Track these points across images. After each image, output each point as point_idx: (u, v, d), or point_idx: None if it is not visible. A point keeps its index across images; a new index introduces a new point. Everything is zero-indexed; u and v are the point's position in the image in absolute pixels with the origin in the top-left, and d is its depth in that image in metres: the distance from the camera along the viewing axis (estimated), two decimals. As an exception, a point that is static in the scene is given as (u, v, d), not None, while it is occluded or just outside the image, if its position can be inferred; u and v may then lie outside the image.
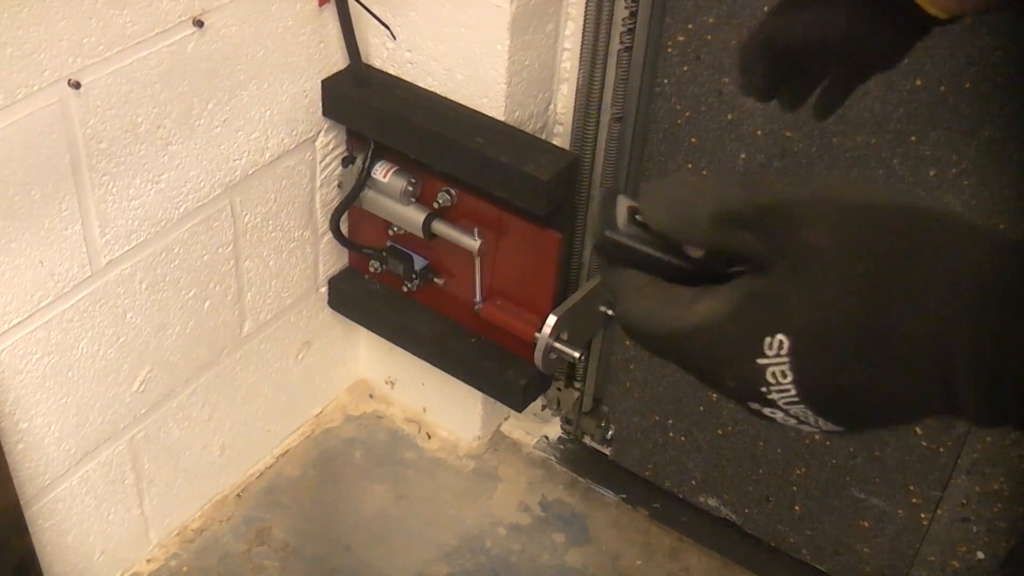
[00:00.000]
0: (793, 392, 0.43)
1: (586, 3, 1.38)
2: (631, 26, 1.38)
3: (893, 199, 0.43)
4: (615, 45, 1.40)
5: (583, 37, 1.40)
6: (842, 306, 0.42)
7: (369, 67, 1.48)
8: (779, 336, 0.42)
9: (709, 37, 1.34)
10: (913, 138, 1.26)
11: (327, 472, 1.73)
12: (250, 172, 1.43)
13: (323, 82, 1.46)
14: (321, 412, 1.81)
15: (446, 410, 1.77)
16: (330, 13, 1.42)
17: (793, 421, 0.44)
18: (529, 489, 1.71)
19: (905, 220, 0.42)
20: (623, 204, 0.50)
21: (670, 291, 0.46)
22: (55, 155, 1.17)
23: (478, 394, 1.66)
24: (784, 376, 0.43)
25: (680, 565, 1.63)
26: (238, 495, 1.68)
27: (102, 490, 1.45)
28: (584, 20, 1.39)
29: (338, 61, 1.47)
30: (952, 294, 0.41)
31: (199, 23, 1.25)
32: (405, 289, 1.60)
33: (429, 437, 1.79)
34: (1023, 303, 0.39)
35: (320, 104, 1.48)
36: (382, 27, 1.43)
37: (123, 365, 1.38)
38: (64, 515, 1.41)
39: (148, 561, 1.58)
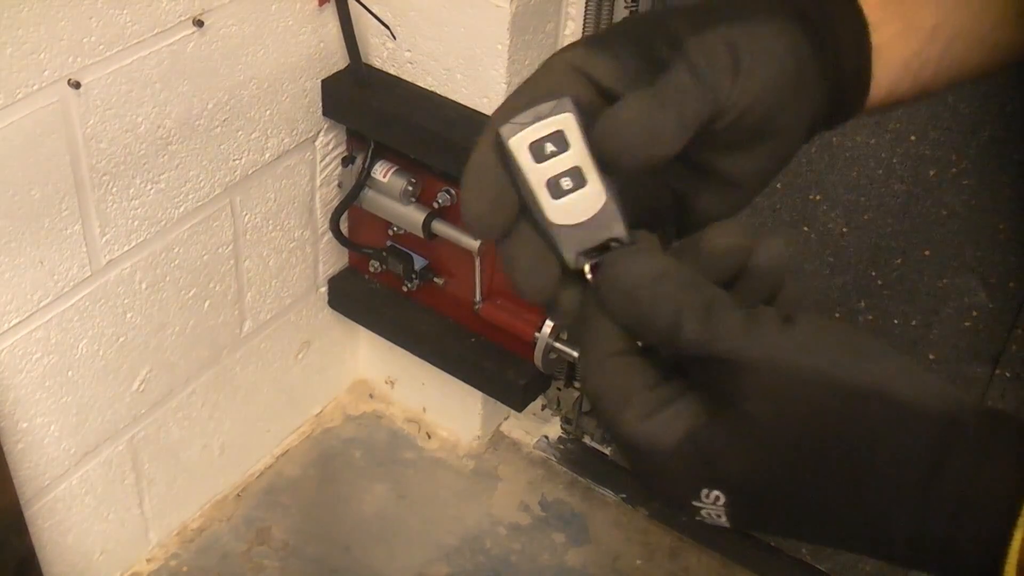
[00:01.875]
0: (725, 523, 0.44)
1: (586, 3, 1.38)
2: (631, 26, 1.38)
3: (841, 375, 0.42)
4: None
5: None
6: (778, 480, 0.42)
7: (369, 67, 1.48)
8: (715, 492, 0.43)
9: None
10: (913, 138, 1.26)
11: (327, 472, 1.73)
12: (250, 172, 1.43)
13: (323, 82, 1.46)
14: (321, 412, 1.81)
15: (446, 410, 1.77)
16: (330, 13, 1.42)
17: (721, 523, 0.45)
18: (529, 489, 1.71)
19: (849, 405, 0.41)
20: (556, 124, 0.45)
21: (632, 378, 0.45)
22: (55, 155, 1.17)
23: (478, 394, 1.66)
24: (718, 516, 0.44)
25: (680, 565, 1.63)
26: (238, 495, 1.68)
27: (102, 490, 1.45)
28: (584, 20, 1.39)
29: (338, 61, 1.47)
30: (891, 486, 0.41)
31: (199, 23, 1.25)
32: (405, 289, 1.60)
33: (429, 437, 1.79)
34: (965, 497, 0.40)
35: (320, 104, 1.48)
36: (382, 27, 1.43)
37: (123, 365, 1.38)
38: (64, 515, 1.41)
39: (148, 561, 1.58)
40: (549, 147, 0.45)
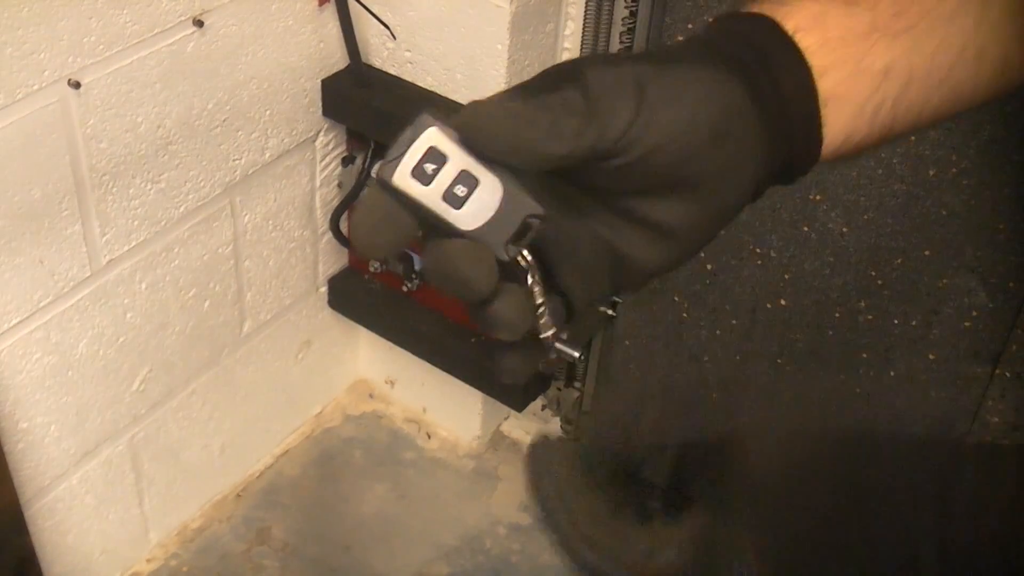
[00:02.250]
0: None
1: (586, 3, 1.38)
2: (631, 26, 1.38)
3: (827, 422, 0.43)
4: (615, 45, 1.40)
5: (583, 37, 1.40)
6: (806, 535, 0.42)
7: (369, 67, 1.48)
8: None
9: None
10: (913, 138, 1.26)
11: (327, 472, 1.73)
12: (250, 172, 1.43)
13: (323, 82, 1.46)
14: (321, 412, 1.81)
15: (446, 410, 1.77)
16: (330, 13, 1.42)
17: None
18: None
19: (849, 444, 0.42)
20: (426, 142, 0.46)
21: (624, 531, 0.45)
22: (55, 155, 1.17)
23: (478, 394, 1.66)
24: None
25: (680, 565, 1.63)
26: (238, 495, 1.68)
27: (102, 490, 1.45)
28: (584, 20, 1.39)
29: (338, 61, 1.47)
30: (912, 509, 0.41)
31: (199, 23, 1.25)
32: (405, 289, 1.60)
33: (429, 437, 1.79)
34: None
35: (320, 104, 1.48)
36: (382, 27, 1.42)
37: (123, 365, 1.38)
38: (64, 515, 1.41)
39: (148, 561, 1.58)
40: (429, 166, 0.45)
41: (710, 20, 0.52)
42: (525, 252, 0.46)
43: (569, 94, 0.46)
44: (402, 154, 0.45)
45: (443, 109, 0.46)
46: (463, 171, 0.45)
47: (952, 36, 0.51)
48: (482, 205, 0.46)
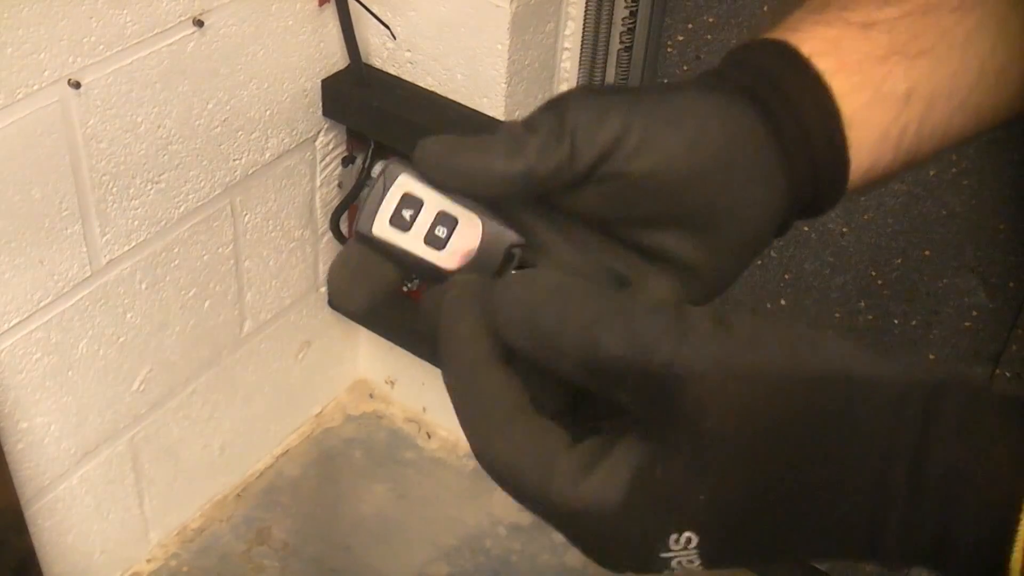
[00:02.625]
0: (699, 566, 0.39)
1: (586, 3, 1.38)
2: (631, 26, 1.38)
3: (799, 364, 0.38)
4: (615, 45, 1.40)
5: (583, 37, 1.40)
6: (753, 501, 0.38)
7: (369, 67, 1.48)
8: (687, 533, 0.38)
9: (709, 37, 1.34)
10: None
11: (327, 472, 1.73)
12: (250, 172, 1.43)
13: (323, 82, 1.46)
14: (321, 412, 1.81)
15: (446, 410, 1.76)
16: (330, 13, 1.42)
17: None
18: (529, 489, 1.71)
19: (812, 392, 0.38)
20: (400, 189, 0.45)
21: (546, 438, 0.40)
22: (55, 155, 1.17)
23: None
24: (691, 562, 0.39)
25: (680, 565, 1.63)
26: (238, 495, 1.68)
27: (102, 490, 1.45)
28: (584, 20, 1.39)
29: (338, 61, 1.47)
30: (880, 470, 0.37)
31: (199, 23, 1.25)
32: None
33: (429, 437, 1.79)
34: (961, 478, 0.36)
35: (320, 104, 1.48)
36: (382, 27, 1.43)
37: (123, 365, 1.38)
38: (64, 515, 1.41)
39: (148, 561, 1.58)
40: (406, 212, 0.45)
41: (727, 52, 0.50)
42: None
43: (542, 117, 0.45)
44: (377, 206, 0.45)
45: (406, 157, 0.47)
46: (440, 212, 0.45)
47: (970, 58, 0.50)
48: (464, 243, 0.45)
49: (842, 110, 0.47)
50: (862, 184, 0.49)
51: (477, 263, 0.46)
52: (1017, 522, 0.34)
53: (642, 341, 0.38)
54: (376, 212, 0.45)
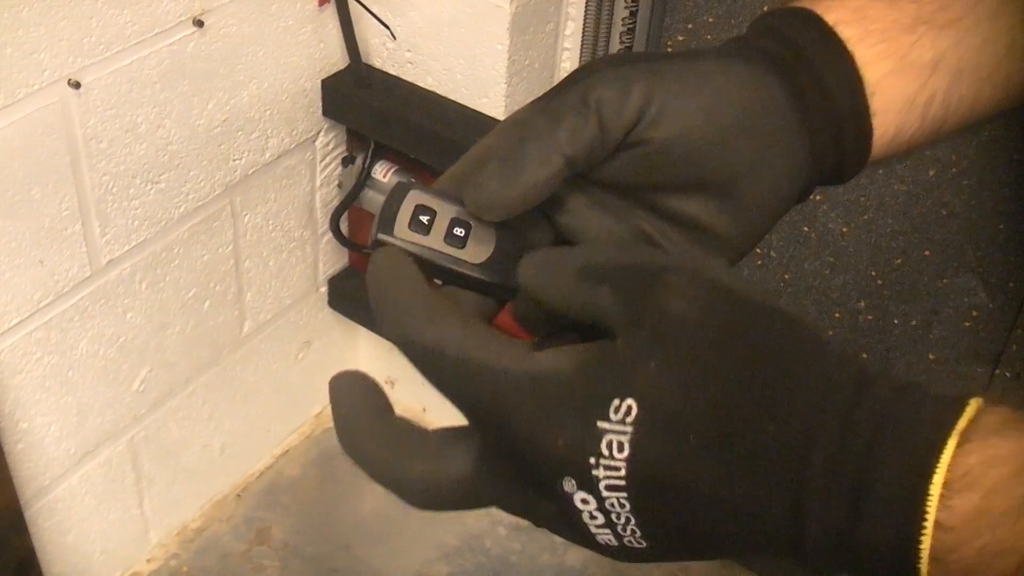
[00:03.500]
0: (622, 472, 0.38)
1: (586, 3, 1.38)
2: (631, 26, 1.38)
3: (763, 296, 0.40)
4: (615, 45, 1.40)
5: (583, 37, 1.40)
6: (700, 384, 0.38)
7: (369, 67, 1.48)
8: (628, 401, 0.38)
9: (709, 37, 1.34)
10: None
11: (327, 472, 1.73)
12: (250, 172, 1.43)
13: (323, 82, 1.46)
14: (321, 412, 1.81)
15: (446, 410, 1.76)
16: (330, 13, 1.42)
17: (598, 521, 0.40)
18: (529, 489, 1.71)
19: (775, 319, 0.40)
20: (412, 201, 0.47)
21: (491, 331, 0.42)
22: (55, 155, 1.17)
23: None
24: (620, 450, 0.38)
25: (679, 565, 1.63)
26: (238, 495, 1.68)
27: (102, 490, 1.45)
28: (584, 20, 1.39)
29: (338, 61, 1.47)
30: (817, 405, 0.37)
31: (199, 23, 1.25)
32: None
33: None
34: (886, 431, 0.36)
35: (320, 104, 1.48)
36: (382, 27, 1.42)
37: (123, 365, 1.38)
38: (64, 515, 1.41)
39: (148, 561, 1.58)
40: (424, 218, 0.47)
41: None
42: None
43: (565, 97, 0.45)
44: (394, 215, 0.46)
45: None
46: (454, 217, 0.47)
47: (1000, 29, 0.50)
48: (482, 240, 0.47)
49: (866, 78, 0.48)
50: (888, 153, 0.50)
51: (498, 257, 0.47)
52: (936, 463, 0.35)
53: (629, 252, 0.42)
54: (394, 219, 0.46)
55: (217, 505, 1.66)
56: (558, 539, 1.49)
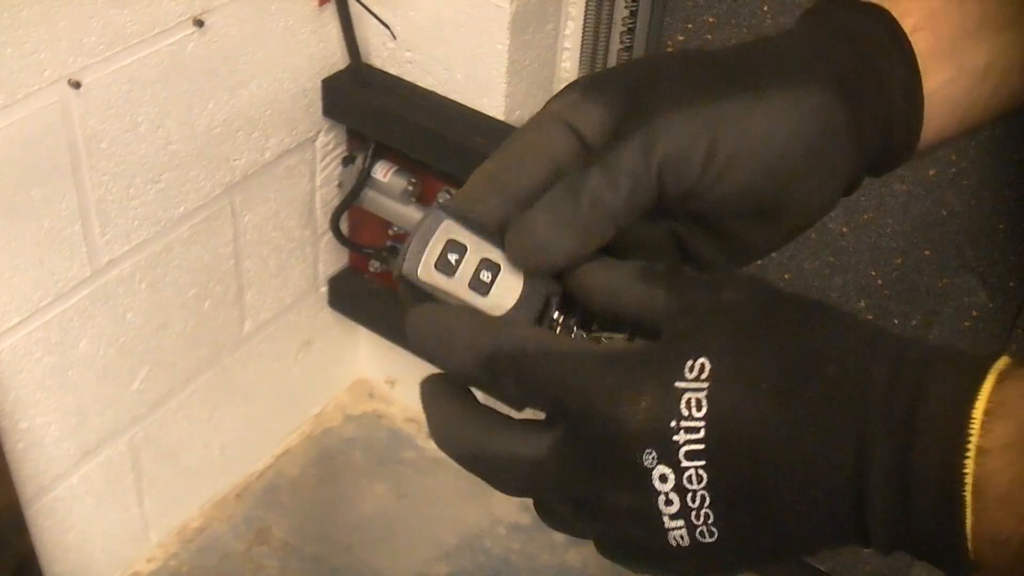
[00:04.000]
0: (701, 434, 0.40)
1: (586, 3, 1.38)
2: (631, 26, 1.38)
3: (798, 294, 0.43)
4: (615, 45, 1.40)
5: (583, 37, 1.40)
6: (763, 338, 0.41)
7: (369, 67, 1.48)
8: (702, 359, 0.40)
9: (709, 37, 1.34)
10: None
11: (327, 472, 1.73)
12: (250, 172, 1.43)
13: (323, 82, 1.46)
14: (321, 412, 1.81)
15: (446, 410, 1.77)
16: (330, 13, 1.42)
17: (673, 508, 0.41)
18: (529, 489, 1.71)
19: (817, 304, 0.42)
20: (444, 234, 0.46)
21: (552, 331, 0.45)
22: (55, 155, 1.17)
23: (478, 393, 1.66)
24: (699, 408, 0.40)
25: None
26: (238, 495, 1.68)
27: (102, 490, 1.45)
28: (584, 20, 1.39)
29: (338, 61, 1.47)
30: (868, 347, 0.40)
31: (199, 23, 1.25)
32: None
33: (429, 437, 1.79)
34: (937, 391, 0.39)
35: (320, 104, 1.48)
36: (382, 27, 1.43)
37: (123, 365, 1.38)
38: (64, 515, 1.41)
39: (148, 561, 1.58)
40: (452, 256, 0.46)
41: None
42: (557, 317, 0.46)
43: (628, 152, 0.45)
44: (422, 249, 0.46)
45: (451, 202, 0.47)
46: (484, 258, 0.46)
47: None
48: (508, 288, 0.46)
49: (926, 87, 0.48)
50: (922, 152, 0.51)
51: (520, 308, 0.46)
52: (978, 392, 0.38)
53: (681, 275, 0.45)
54: (421, 256, 0.46)
55: (217, 505, 1.66)
56: (558, 539, 1.50)
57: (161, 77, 1.24)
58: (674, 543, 0.41)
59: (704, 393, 0.40)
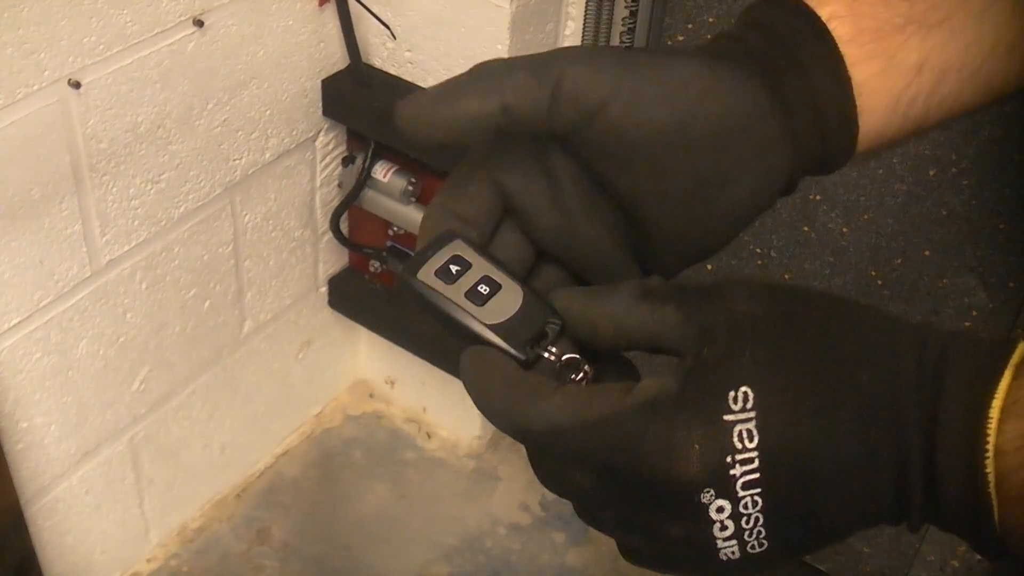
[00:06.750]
0: (756, 464, 0.40)
1: (586, 3, 1.38)
2: (631, 26, 1.38)
3: (804, 286, 0.44)
4: (615, 45, 1.40)
5: (583, 37, 1.40)
6: (794, 357, 0.41)
7: (369, 67, 1.48)
8: (743, 388, 0.40)
9: (709, 37, 1.34)
10: (913, 138, 1.26)
11: (327, 472, 1.73)
12: (250, 172, 1.43)
13: (323, 82, 1.46)
14: (321, 412, 1.81)
15: (446, 410, 1.77)
16: (330, 13, 1.42)
17: (728, 532, 0.41)
18: (529, 488, 1.71)
19: (824, 297, 0.43)
20: (451, 250, 0.47)
21: (579, 387, 0.44)
22: (55, 155, 1.17)
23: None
24: (751, 439, 0.40)
25: None
26: (238, 495, 1.68)
27: (102, 490, 1.45)
28: (584, 20, 1.39)
29: (338, 61, 1.47)
30: (892, 347, 0.41)
31: (199, 23, 1.25)
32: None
33: (429, 437, 1.79)
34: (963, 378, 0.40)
35: (320, 104, 1.48)
36: (382, 27, 1.42)
37: (123, 365, 1.38)
38: (64, 515, 1.41)
39: (148, 561, 1.58)
40: (454, 268, 0.47)
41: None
42: (553, 349, 0.47)
43: (531, 59, 0.45)
44: (428, 256, 0.47)
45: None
46: (486, 275, 0.47)
47: (986, 29, 0.50)
48: (503, 305, 0.47)
49: (854, 77, 0.48)
50: (870, 148, 0.51)
51: (511, 326, 0.47)
52: (995, 391, 0.39)
53: (683, 279, 0.46)
54: (425, 262, 0.47)
55: (217, 505, 1.66)
56: (558, 539, 1.50)
57: (161, 77, 1.24)
58: (724, 558, 0.42)
59: (754, 423, 0.40)
